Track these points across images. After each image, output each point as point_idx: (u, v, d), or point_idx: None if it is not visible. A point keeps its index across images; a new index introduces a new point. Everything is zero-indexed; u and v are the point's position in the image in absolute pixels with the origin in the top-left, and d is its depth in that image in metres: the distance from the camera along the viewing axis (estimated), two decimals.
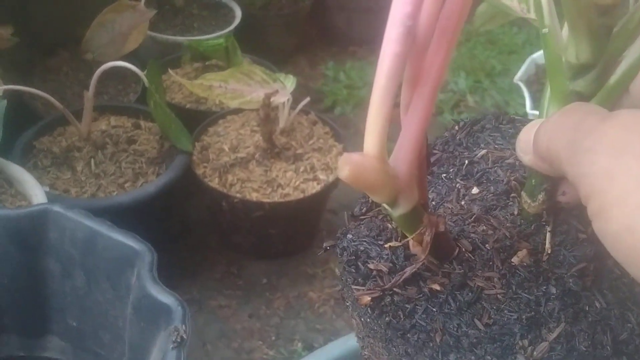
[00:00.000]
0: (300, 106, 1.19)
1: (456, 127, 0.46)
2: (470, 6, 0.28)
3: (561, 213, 0.38)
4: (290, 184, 1.12)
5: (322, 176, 1.14)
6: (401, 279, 0.35)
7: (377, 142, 0.28)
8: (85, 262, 0.73)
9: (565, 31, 0.33)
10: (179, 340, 0.60)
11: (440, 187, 0.42)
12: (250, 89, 1.07)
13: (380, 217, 0.39)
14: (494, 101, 1.69)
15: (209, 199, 1.17)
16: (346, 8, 1.82)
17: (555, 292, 0.35)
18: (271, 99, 1.05)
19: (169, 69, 1.25)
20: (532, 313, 0.34)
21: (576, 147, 0.27)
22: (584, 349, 0.33)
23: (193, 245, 1.26)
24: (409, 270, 0.35)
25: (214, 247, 1.26)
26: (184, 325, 0.61)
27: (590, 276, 0.35)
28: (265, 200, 1.09)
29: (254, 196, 1.10)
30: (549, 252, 0.37)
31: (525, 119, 0.47)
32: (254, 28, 1.64)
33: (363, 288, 0.36)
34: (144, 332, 0.67)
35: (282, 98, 1.10)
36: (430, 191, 0.42)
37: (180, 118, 1.12)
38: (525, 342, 0.33)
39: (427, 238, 0.34)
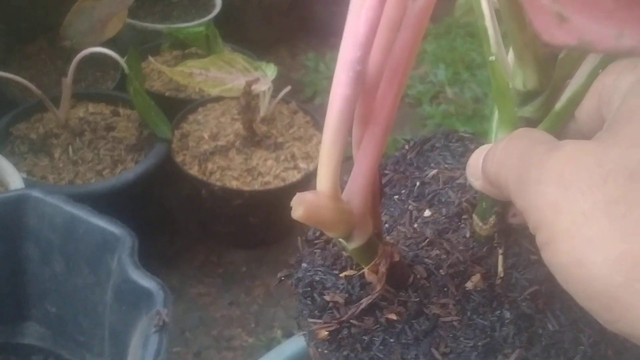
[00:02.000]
0: (281, 95, 1.19)
1: (406, 147, 0.47)
2: (418, 48, 0.28)
3: (512, 234, 0.38)
4: (271, 172, 1.12)
5: (302, 165, 1.15)
6: (358, 310, 0.35)
7: (330, 181, 0.29)
8: (64, 247, 0.72)
9: (511, 56, 0.34)
10: (160, 324, 0.60)
11: (392, 209, 0.42)
12: (232, 77, 1.07)
13: (334, 241, 0.39)
14: (473, 94, 1.70)
15: (189, 187, 1.17)
16: (327, 0, 1.82)
17: (509, 316, 0.35)
18: (252, 87, 1.05)
19: (149, 56, 1.24)
20: (488, 339, 0.34)
21: (524, 179, 0.27)
22: None
23: (172, 234, 1.26)
24: (365, 301, 0.35)
25: (193, 235, 1.26)
26: (165, 309, 0.61)
27: (542, 298, 0.36)
28: (245, 188, 1.09)
29: (234, 184, 1.10)
30: (502, 275, 0.37)
31: (473, 137, 0.47)
32: (234, 18, 1.63)
33: (320, 321, 0.36)
34: (125, 317, 0.66)
35: (263, 86, 1.09)
36: (383, 213, 0.42)
37: (159, 106, 1.11)
38: None
39: (383, 269, 0.34)
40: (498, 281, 0.37)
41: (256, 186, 1.10)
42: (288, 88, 1.20)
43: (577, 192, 0.24)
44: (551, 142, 0.28)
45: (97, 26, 1.21)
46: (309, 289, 0.38)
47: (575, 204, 0.24)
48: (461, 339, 0.34)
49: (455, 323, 0.35)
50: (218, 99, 1.24)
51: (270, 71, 1.11)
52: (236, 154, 1.15)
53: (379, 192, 0.34)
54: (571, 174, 0.25)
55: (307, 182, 1.16)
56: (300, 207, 0.28)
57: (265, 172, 1.12)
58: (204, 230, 1.26)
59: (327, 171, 0.28)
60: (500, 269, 0.37)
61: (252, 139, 1.16)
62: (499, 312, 0.35)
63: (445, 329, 0.35)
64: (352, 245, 0.33)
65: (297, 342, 0.61)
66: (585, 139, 0.30)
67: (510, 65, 0.34)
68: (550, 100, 0.32)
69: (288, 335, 1.09)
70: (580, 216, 0.24)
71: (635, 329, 0.23)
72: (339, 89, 0.26)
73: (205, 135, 1.18)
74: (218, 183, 1.09)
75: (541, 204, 0.26)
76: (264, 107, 1.18)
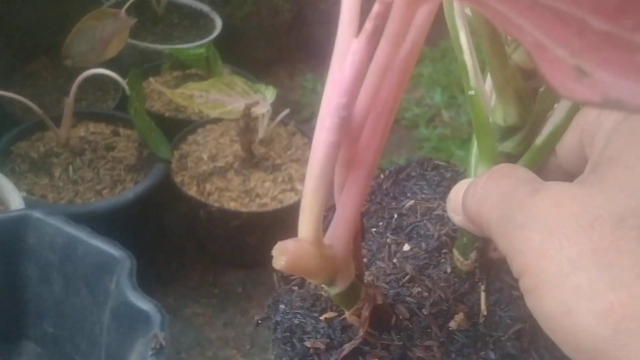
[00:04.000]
0: (279, 117, 1.20)
1: (382, 176, 0.46)
2: (404, 92, 0.27)
3: (493, 269, 0.37)
4: (268, 194, 1.13)
5: (299, 187, 1.16)
6: (340, 357, 0.34)
7: (313, 228, 0.28)
8: (64, 268, 0.73)
9: (490, 88, 0.33)
10: (158, 347, 0.61)
11: (371, 243, 0.41)
12: (231, 99, 1.08)
13: None
14: (468, 117, 1.70)
15: (187, 207, 1.17)
16: (326, 22, 1.84)
17: (494, 357, 0.34)
18: (251, 110, 1.06)
19: (150, 77, 1.25)
20: None
21: (508, 221, 0.26)
22: None
23: (169, 253, 1.26)
24: (347, 347, 0.34)
25: (190, 255, 1.26)
26: (163, 332, 0.62)
27: (526, 337, 0.35)
28: (243, 209, 1.10)
29: (232, 205, 1.11)
30: (485, 313, 0.36)
31: (448, 165, 0.46)
32: (234, 39, 1.65)
33: None
34: (122, 338, 0.67)
35: (263, 109, 1.11)
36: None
37: (159, 126, 1.12)
38: None
39: (366, 313, 0.33)
40: (482, 320, 0.36)
41: (254, 207, 1.11)
42: (287, 111, 1.21)
43: (563, 238, 0.24)
44: (534, 182, 0.27)
45: (98, 46, 1.22)
46: (288, 334, 0.36)
47: (561, 251, 0.24)
48: None
49: None
50: (217, 121, 1.25)
51: (269, 94, 1.13)
52: (234, 175, 1.16)
53: (360, 234, 0.33)
54: (557, 220, 0.24)
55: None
56: (282, 257, 0.27)
57: (263, 193, 1.13)
58: (200, 250, 1.27)
59: (309, 218, 0.27)
60: (483, 306, 0.36)
61: (251, 161, 1.17)
62: (483, 352, 0.34)
63: None
64: (334, 291, 0.32)
65: None
66: (567, 174, 0.30)
67: (490, 99, 0.33)
68: (531, 135, 0.32)
69: None
70: (567, 264, 0.23)
71: None
72: (323, 135, 0.25)
73: (204, 156, 1.19)
74: (216, 204, 1.10)
75: (526, 248, 0.25)
76: (262, 129, 1.20)
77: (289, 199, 1.13)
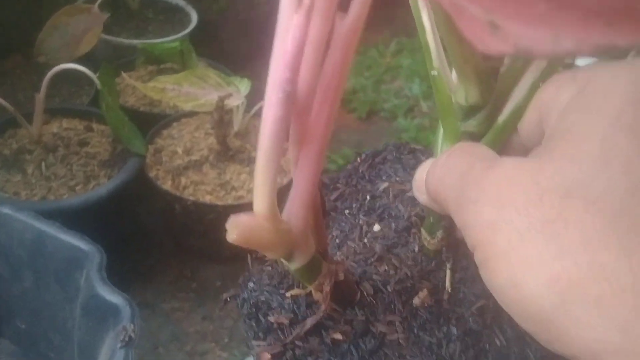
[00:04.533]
0: (254, 109, 1.19)
1: (358, 159, 0.46)
2: (349, 68, 0.28)
3: (460, 248, 0.38)
4: (244, 186, 1.13)
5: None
6: (302, 331, 0.34)
7: (266, 202, 0.28)
8: (34, 264, 0.72)
9: (454, 72, 0.33)
10: (127, 339, 0.60)
11: (343, 224, 0.42)
12: (204, 92, 1.08)
13: None
14: None
15: (162, 202, 1.17)
16: None
17: (456, 332, 0.34)
18: (225, 102, 1.06)
19: (122, 72, 1.24)
20: (434, 357, 0.33)
21: (463, 197, 0.27)
22: None
23: (146, 249, 1.26)
24: (310, 322, 0.34)
25: (167, 250, 1.26)
26: (132, 325, 0.62)
27: (490, 313, 0.35)
28: (219, 202, 1.10)
29: (208, 199, 1.10)
30: (450, 290, 0.37)
31: (425, 149, 0.47)
32: (210, 33, 1.64)
33: (264, 343, 0.35)
34: (93, 332, 0.67)
35: (236, 101, 1.10)
36: (333, 228, 0.42)
37: (134, 121, 1.11)
38: None
39: (327, 288, 0.33)
40: (445, 296, 0.36)
41: (229, 200, 1.11)
42: (261, 103, 1.20)
43: (513, 211, 0.24)
44: (490, 158, 0.27)
45: (71, 42, 1.21)
46: (254, 309, 0.37)
47: (511, 223, 0.24)
48: (407, 357, 0.34)
49: (401, 341, 0.34)
50: (192, 114, 1.24)
51: (243, 86, 1.12)
52: (210, 169, 1.15)
53: (321, 211, 0.34)
54: (507, 193, 0.25)
55: (280, 196, 1.16)
56: (234, 230, 0.27)
57: (239, 186, 1.13)
58: (177, 245, 1.26)
59: (262, 192, 0.28)
60: (447, 283, 0.37)
61: (226, 154, 1.16)
62: (445, 328, 0.35)
63: (391, 347, 0.34)
64: (294, 266, 0.32)
65: None
66: (529, 153, 0.30)
67: (453, 80, 0.33)
68: (493, 114, 0.32)
69: None
70: (516, 236, 0.24)
71: (570, 350, 0.23)
72: (270, 110, 0.26)
73: (179, 150, 1.18)
74: (191, 198, 1.10)
75: (478, 223, 0.25)
76: (237, 122, 1.19)
77: None
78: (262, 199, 0.28)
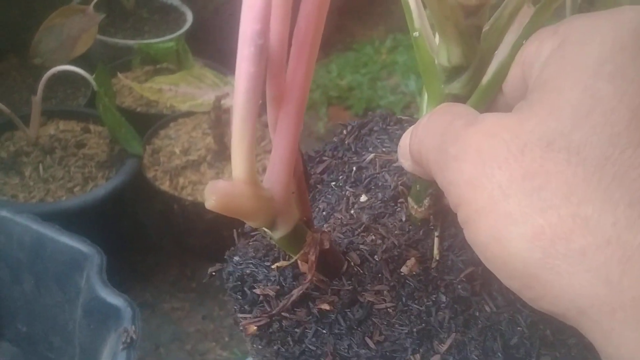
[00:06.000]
0: None
1: (344, 131, 0.45)
2: (324, 22, 0.26)
3: (449, 215, 0.37)
4: None
5: None
6: (289, 302, 0.33)
7: (245, 166, 0.26)
8: (33, 267, 0.72)
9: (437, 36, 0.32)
10: (128, 340, 0.61)
11: (330, 196, 0.41)
12: (201, 92, 1.08)
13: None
14: None
15: (161, 203, 1.17)
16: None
17: (445, 300, 0.34)
18: (222, 102, 1.06)
19: (118, 73, 1.24)
20: (423, 325, 0.33)
21: (443, 154, 0.26)
22: (476, 358, 0.32)
23: (146, 249, 1.26)
24: (296, 293, 0.33)
25: (167, 250, 1.26)
26: (133, 326, 0.62)
27: (479, 280, 0.35)
28: None
29: None
30: (438, 258, 0.36)
31: (412, 119, 0.45)
32: (206, 32, 1.64)
33: (249, 316, 0.34)
34: (94, 334, 0.67)
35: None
36: (320, 201, 0.41)
37: (131, 121, 1.11)
38: (417, 356, 0.32)
39: (312, 257, 0.32)
40: (434, 264, 0.35)
41: None
42: (259, 102, 1.20)
43: (495, 166, 0.23)
44: (471, 115, 0.27)
45: (67, 43, 1.21)
46: (239, 282, 0.36)
47: (492, 179, 0.23)
48: (396, 325, 0.33)
49: (389, 310, 0.34)
50: (189, 114, 1.24)
51: None
52: (207, 168, 1.15)
53: (304, 177, 0.32)
54: (488, 149, 0.24)
55: None
56: (212, 196, 0.25)
57: None
58: (177, 245, 1.26)
59: (239, 156, 0.26)
60: (435, 251, 0.36)
61: (224, 153, 1.16)
62: (434, 296, 0.34)
63: (379, 316, 0.33)
64: (277, 235, 0.30)
65: None
66: None
67: (435, 41, 0.32)
68: (477, 75, 0.31)
69: None
70: (498, 191, 0.23)
71: (556, 306, 0.22)
72: (243, 65, 0.24)
73: (177, 150, 1.18)
74: (189, 198, 1.10)
75: (459, 180, 0.25)
76: None
77: None
78: (240, 162, 0.26)
